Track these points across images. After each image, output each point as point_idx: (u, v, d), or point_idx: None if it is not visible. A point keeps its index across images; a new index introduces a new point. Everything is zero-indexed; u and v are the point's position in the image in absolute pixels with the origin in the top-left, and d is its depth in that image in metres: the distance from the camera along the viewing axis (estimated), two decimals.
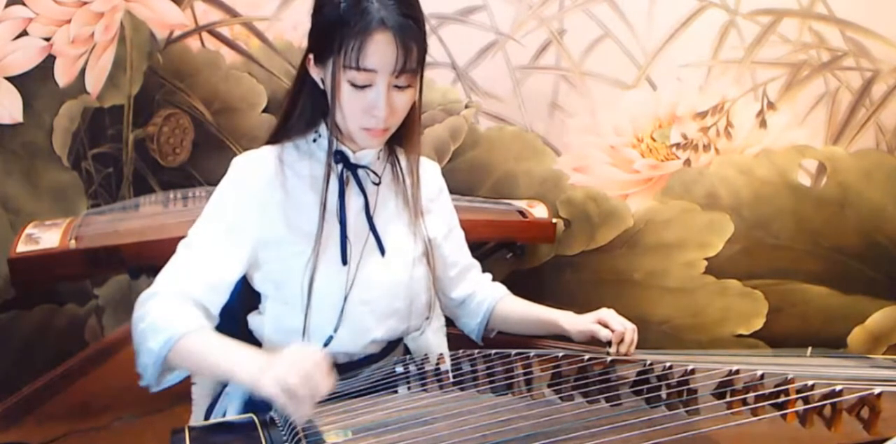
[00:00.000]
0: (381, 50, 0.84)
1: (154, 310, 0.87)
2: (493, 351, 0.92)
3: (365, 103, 0.87)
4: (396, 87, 0.88)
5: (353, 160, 0.98)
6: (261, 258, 0.96)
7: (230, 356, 0.80)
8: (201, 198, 1.98)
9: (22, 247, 1.56)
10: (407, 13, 0.85)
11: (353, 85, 0.86)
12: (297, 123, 0.97)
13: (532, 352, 0.89)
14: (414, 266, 1.02)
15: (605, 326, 1.00)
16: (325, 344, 0.98)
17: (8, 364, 1.85)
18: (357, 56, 0.83)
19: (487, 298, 1.15)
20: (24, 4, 1.78)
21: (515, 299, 1.16)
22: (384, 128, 0.90)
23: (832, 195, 1.86)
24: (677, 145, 1.96)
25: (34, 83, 1.85)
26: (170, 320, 0.84)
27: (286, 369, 0.72)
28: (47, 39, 1.87)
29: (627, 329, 0.98)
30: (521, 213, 1.94)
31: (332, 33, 0.85)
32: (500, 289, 1.18)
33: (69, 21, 1.94)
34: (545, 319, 1.08)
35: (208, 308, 0.92)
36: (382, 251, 0.99)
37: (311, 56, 0.91)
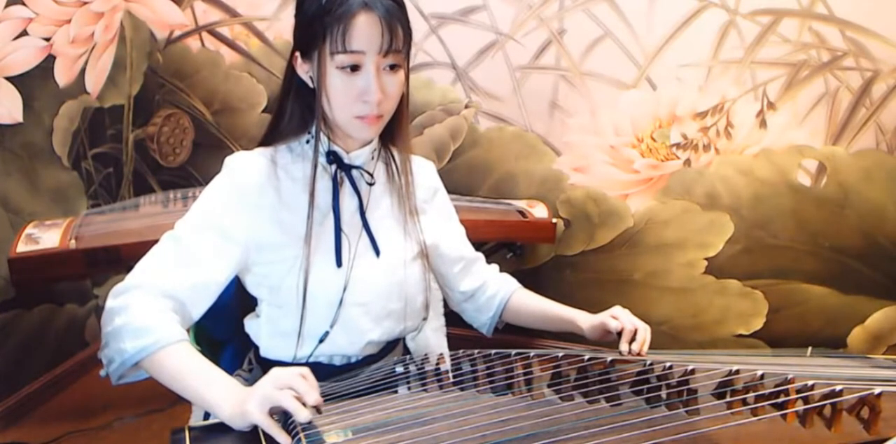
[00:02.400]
0: (366, 31, 0.84)
1: (135, 307, 0.85)
2: (493, 351, 0.92)
3: (356, 90, 0.87)
4: (386, 69, 0.87)
5: (346, 161, 0.97)
6: (252, 261, 0.95)
7: (205, 385, 0.80)
8: None
9: (22, 247, 1.56)
10: None
11: (343, 70, 0.86)
12: (289, 126, 0.97)
13: (532, 352, 0.89)
14: (409, 267, 1.01)
15: (616, 319, 1.00)
16: (321, 340, 0.97)
17: (8, 364, 1.85)
18: (343, 39, 0.84)
19: (500, 292, 1.15)
20: (24, 4, 1.79)
21: (529, 294, 1.16)
22: (377, 114, 0.89)
23: (832, 195, 1.86)
24: (677, 145, 1.96)
25: (34, 83, 1.85)
26: (150, 326, 0.83)
27: (267, 389, 0.74)
28: (47, 39, 1.88)
29: (639, 327, 0.98)
30: (521, 213, 1.94)
31: (316, 24, 0.85)
32: (511, 283, 1.17)
33: (69, 21, 1.94)
34: (561, 316, 1.08)
35: (190, 310, 0.90)
36: (377, 252, 0.99)
37: (297, 54, 0.92)
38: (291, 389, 0.74)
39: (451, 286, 1.16)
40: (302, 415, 0.72)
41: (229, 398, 0.78)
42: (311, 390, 0.75)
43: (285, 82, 0.96)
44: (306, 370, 0.78)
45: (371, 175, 0.99)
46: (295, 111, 0.96)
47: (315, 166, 0.94)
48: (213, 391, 0.80)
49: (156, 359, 0.83)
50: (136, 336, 0.83)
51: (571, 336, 1.07)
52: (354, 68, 0.86)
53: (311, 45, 0.88)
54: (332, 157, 0.96)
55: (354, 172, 0.98)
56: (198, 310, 0.92)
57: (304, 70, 0.92)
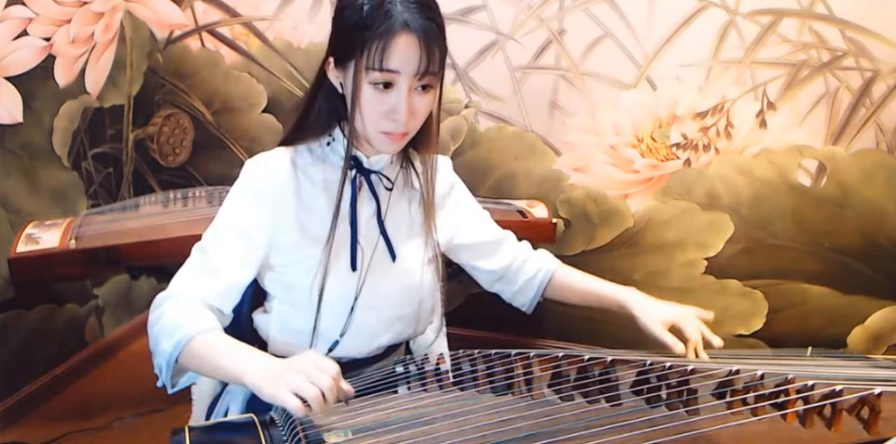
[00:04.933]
0: (404, 51, 0.84)
1: (168, 313, 0.87)
2: (493, 351, 0.92)
3: (386, 107, 0.87)
4: (417, 89, 0.87)
5: (366, 165, 0.97)
6: (272, 262, 0.97)
7: (240, 360, 0.80)
8: (201, 198, 1.98)
9: (22, 247, 1.56)
10: (430, 16, 0.85)
11: (375, 86, 0.86)
12: (313, 126, 0.97)
13: (532, 352, 0.89)
14: (423, 272, 1.02)
15: (679, 331, 0.99)
16: (330, 349, 0.98)
17: (8, 364, 1.85)
18: (381, 57, 0.83)
19: (539, 272, 1.15)
20: (24, 4, 1.78)
21: (572, 272, 1.15)
22: (403, 132, 0.90)
23: (832, 195, 1.86)
24: (677, 145, 1.96)
25: (34, 83, 1.85)
26: (181, 322, 0.85)
27: (301, 381, 0.72)
28: (47, 39, 1.87)
29: (703, 334, 0.98)
30: (521, 213, 1.94)
31: (355, 36, 0.84)
32: (551, 261, 1.17)
33: (69, 21, 1.94)
34: (612, 298, 1.07)
35: (221, 310, 0.93)
36: (393, 257, 0.99)
37: (330, 59, 0.91)
38: (323, 396, 0.72)
39: (477, 268, 1.15)
40: (316, 408, 0.71)
41: (261, 368, 0.77)
42: (332, 403, 0.73)
43: (316, 83, 0.95)
44: (338, 373, 0.75)
45: (390, 180, 1.00)
46: (321, 111, 0.96)
47: (345, 172, 0.94)
48: (245, 363, 0.78)
49: (190, 349, 0.83)
50: (170, 335, 0.85)
51: (571, 336, 1.07)
52: (387, 85, 0.86)
53: (347, 56, 0.87)
54: (353, 161, 0.96)
55: (373, 177, 0.98)
56: (229, 309, 0.94)
57: (335, 75, 0.92)
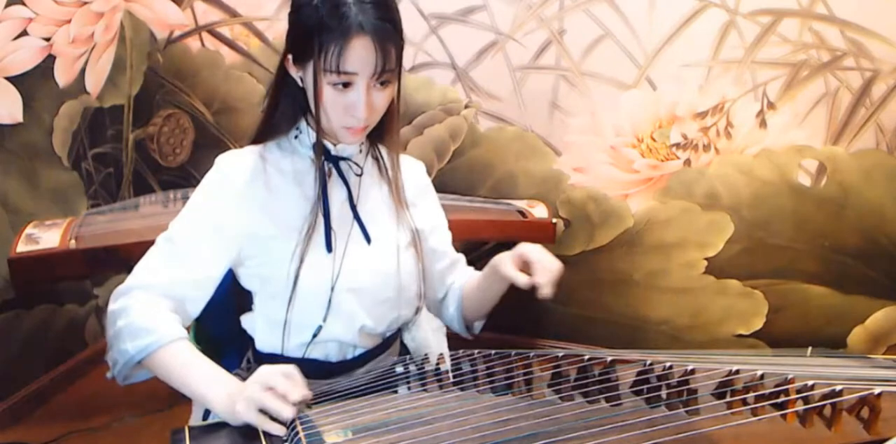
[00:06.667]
0: (360, 54, 0.85)
1: (135, 308, 0.88)
2: (493, 351, 0.92)
3: (346, 104, 0.89)
4: (376, 86, 0.89)
5: (334, 153, 0.99)
6: (245, 255, 0.97)
7: (204, 382, 0.83)
8: None
9: (22, 247, 1.55)
10: (384, 17, 0.86)
11: (335, 86, 0.88)
12: (279, 122, 0.99)
13: (532, 352, 0.89)
14: (401, 255, 1.02)
15: (527, 261, 0.96)
16: (315, 335, 0.98)
17: (8, 364, 1.85)
18: (337, 61, 0.85)
19: (457, 281, 1.14)
20: (24, 4, 1.79)
21: (473, 271, 1.14)
22: (364, 126, 0.93)
23: (832, 195, 1.86)
24: (677, 145, 1.96)
25: (34, 83, 1.85)
26: (150, 327, 0.86)
27: (251, 390, 0.77)
28: (47, 39, 1.88)
29: (553, 271, 0.95)
30: (521, 213, 1.94)
31: (312, 37, 0.86)
32: (469, 271, 1.16)
33: (69, 21, 1.94)
34: (488, 271, 1.04)
35: (188, 308, 0.93)
36: (368, 240, 1.00)
37: (289, 56, 0.93)
38: (274, 389, 0.77)
39: (438, 280, 1.14)
40: (284, 414, 0.75)
41: (225, 395, 0.81)
42: (293, 387, 0.77)
43: (276, 79, 0.98)
44: (290, 368, 0.80)
45: (360, 166, 1.01)
46: (286, 106, 0.98)
47: (319, 159, 0.96)
48: (210, 388, 0.83)
49: (156, 358, 0.85)
50: (137, 337, 0.85)
51: (571, 336, 1.06)
52: (346, 85, 0.88)
53: (305, 55, 0.89)
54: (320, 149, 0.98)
55: (343, 164, 1.00)
56: (196, 307, 0.94)
57: (294, 71, 0.94)
